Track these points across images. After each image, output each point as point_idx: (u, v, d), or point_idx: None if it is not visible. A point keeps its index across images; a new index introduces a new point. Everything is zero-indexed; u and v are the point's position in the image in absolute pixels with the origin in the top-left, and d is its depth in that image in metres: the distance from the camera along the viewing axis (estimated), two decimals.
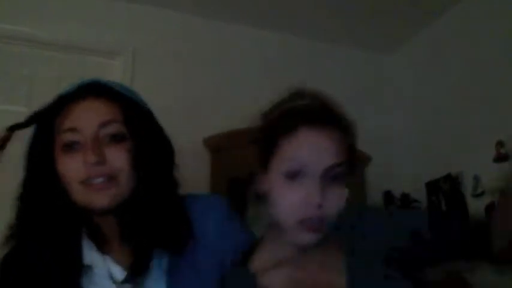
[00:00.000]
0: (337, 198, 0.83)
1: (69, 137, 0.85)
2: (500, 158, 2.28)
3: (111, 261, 0.88)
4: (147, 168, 0.86)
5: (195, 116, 2.58)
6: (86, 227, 0.89)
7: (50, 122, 0.87)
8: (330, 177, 0.82)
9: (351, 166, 0.86)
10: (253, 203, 0.92)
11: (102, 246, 0.89)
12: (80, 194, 0.84)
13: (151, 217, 0.86)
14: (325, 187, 0.81)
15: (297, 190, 0.81)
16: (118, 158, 0.84)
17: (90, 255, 0.87)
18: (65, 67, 2.51)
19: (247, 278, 0.89)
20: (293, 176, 0.82)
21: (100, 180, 0.83)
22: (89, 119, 0.85)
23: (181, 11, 2.72)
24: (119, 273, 0.87)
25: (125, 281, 0.85)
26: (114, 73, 2.58)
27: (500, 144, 2.27)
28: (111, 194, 0.84)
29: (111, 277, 0.86)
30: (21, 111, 2.48)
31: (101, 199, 0.83)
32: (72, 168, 0.84)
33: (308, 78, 3.17)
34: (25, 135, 0.91)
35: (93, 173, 0.83)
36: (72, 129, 0.85)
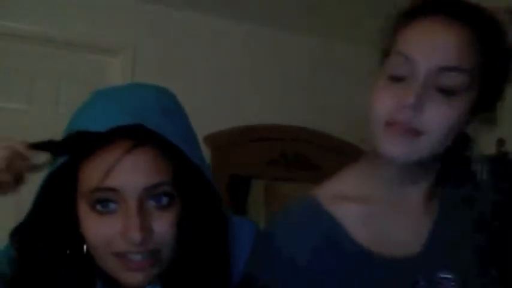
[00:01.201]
0: (439, 116, 0.66)
1: (105, 195, 0.66)
2: None
3: None
4: (192, 239, 0.70)
5: (195, 114, 2.55)
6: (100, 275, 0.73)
7: (75, 161, 0.67)
8: (439, 84, 0.66)
9: (486, 93, 0.68)
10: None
11: None
12: (109, 265, 0.68)
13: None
14: (428, 93, 0.65)
15: (395, 90, 0.68)
16: (165, 230, 0.67)
17: None
18: (65, 65, 2.52)
19: (312, 206, 0.76)
20: (397, 77, 0.68)
21: (140, 257, 0.66)
22: (133, 179, 0.65)
23: (182, 9, 2.71)
24: None
25: None
26: (114, 71, 2.58)
27: (500, 142, 2.28)
28: (150, 272, 0.68)
29: None
30: (22, 108, 2.49)
31: (136, 277, 0.67)
32: (105, 235, 0.66)
33: (310, 76, 3.16)
34: None
35: (134, 250, 0.66)
36: (112, 190, 0.65)
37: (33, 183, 0.70)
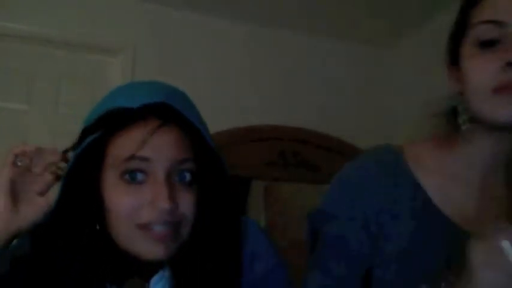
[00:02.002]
0: None
1: (137, 165, 0.70)
2: None
3: None
4: (208, 217, 0.75)
5: None
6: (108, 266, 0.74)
7: (103, 138, 0.72)
8: None
9: None
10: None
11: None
12: (131, 238, 0.71)
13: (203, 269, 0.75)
14: None
15: (491, 57, 0.68)
16: (187, 206, 0.72)
17: None
18: (64, 65, 2.52)
19: (395, 159, 0.80)
20: (487, 42, 0.69)
21: (163, 228, 0.69)
22: (164, 151, 0.71)
23: (182, 9, 2.71)
24: None
25: None
26: (114, 71, 2.58)
27: None
28: (170, 246, 0.71)
29: None
30: (21, 108, 2.49)
31: (157, 249, 0.70)
32: (132, 204, 0.70)
33: (310, 77, 3.16)
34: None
35: (160, 219, 0.69)
36: (145, 159, 0.70)
37: None
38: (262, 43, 2.90)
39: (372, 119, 2.97)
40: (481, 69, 0.68)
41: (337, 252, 0.81)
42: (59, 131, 2.44)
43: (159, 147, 0.70)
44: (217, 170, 0.77)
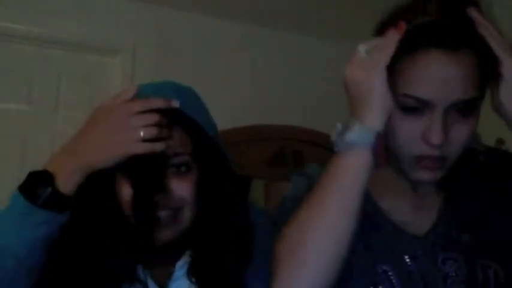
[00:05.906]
0: (461, 137, 0.70)
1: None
2: None
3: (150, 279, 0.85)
4: (210, 200, 0.82)
5: None
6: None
7: None
8: (457, 108, 0.68)
9: (481, 98, 0.71)
10: None
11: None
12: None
13: (213, 247, 0.82)
14: (448, 124, 0.68)
15: (415, 123, 0.69)
16: (182, 188, 0.80)
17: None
18: (65, 65, 2.52)
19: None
20: (410, 109, 0.69)
21: (165, 213, 0.78)
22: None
23: (182, 9, 2.72)
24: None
25: None
26: (114, 71, 2.58)
27: (500, 142, 2.28)
28: (175, 229, 0.80)
29: None
30: (22, 109, 2.49)
31: (164, 234, 0.78)
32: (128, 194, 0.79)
33: (310, 77, 3.16)
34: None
35: (159, 206, 0.78)
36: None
37: None
38: (262, 43, 2.90)
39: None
40: (405, 134, 0.71)
41: None
42: (58, 131, 2.45)
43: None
44: (215, 158, 0.87)
